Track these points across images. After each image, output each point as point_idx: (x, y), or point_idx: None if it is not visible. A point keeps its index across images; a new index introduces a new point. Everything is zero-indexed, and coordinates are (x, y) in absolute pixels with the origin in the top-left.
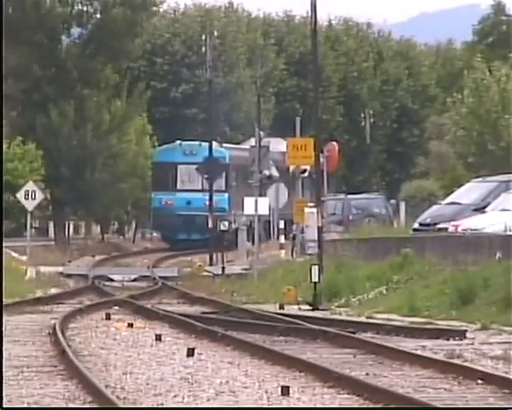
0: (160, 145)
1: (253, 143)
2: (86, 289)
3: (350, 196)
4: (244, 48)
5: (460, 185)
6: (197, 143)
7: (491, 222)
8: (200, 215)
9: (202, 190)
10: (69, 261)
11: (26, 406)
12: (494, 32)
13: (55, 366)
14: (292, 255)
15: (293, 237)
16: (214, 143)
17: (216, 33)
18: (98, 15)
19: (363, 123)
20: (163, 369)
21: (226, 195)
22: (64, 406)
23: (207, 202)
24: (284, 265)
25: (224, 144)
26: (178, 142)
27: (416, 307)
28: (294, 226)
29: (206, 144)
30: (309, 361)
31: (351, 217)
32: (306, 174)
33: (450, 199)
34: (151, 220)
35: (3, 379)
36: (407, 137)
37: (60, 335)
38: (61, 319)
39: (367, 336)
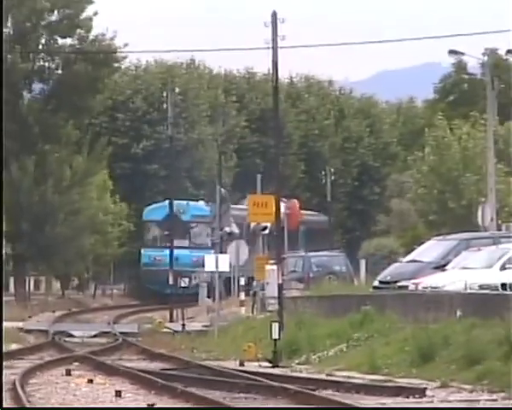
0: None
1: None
2: (46, 345)
3: (310, 254)
4: (206, 105)
5: (421, 243)
6: (185, 202)
7: (451, 280)
8: (186, 271)
9: (189, 247)
10: (29, 317)
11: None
12: (455, 91)
13: None
14: (252, 312)
15: (254, 294)
16: (202, 203)
17: (177, 90)
18: (60, 71)
19: (324, 180)
20: None
21: (212, 251)
22: None
23: (194, 259)
24: (245, 321)
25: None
26: (167, 201)
27: (376, 364)
28: (255, 283)
29: (193, 203)
30: None
31: (311, 274)
32: (267, 231)
33: (410, 257)
34: (141, 275)
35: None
36: (368, 195)
37: (20, 390)
38: (21, 375)
39: (327, 393)
